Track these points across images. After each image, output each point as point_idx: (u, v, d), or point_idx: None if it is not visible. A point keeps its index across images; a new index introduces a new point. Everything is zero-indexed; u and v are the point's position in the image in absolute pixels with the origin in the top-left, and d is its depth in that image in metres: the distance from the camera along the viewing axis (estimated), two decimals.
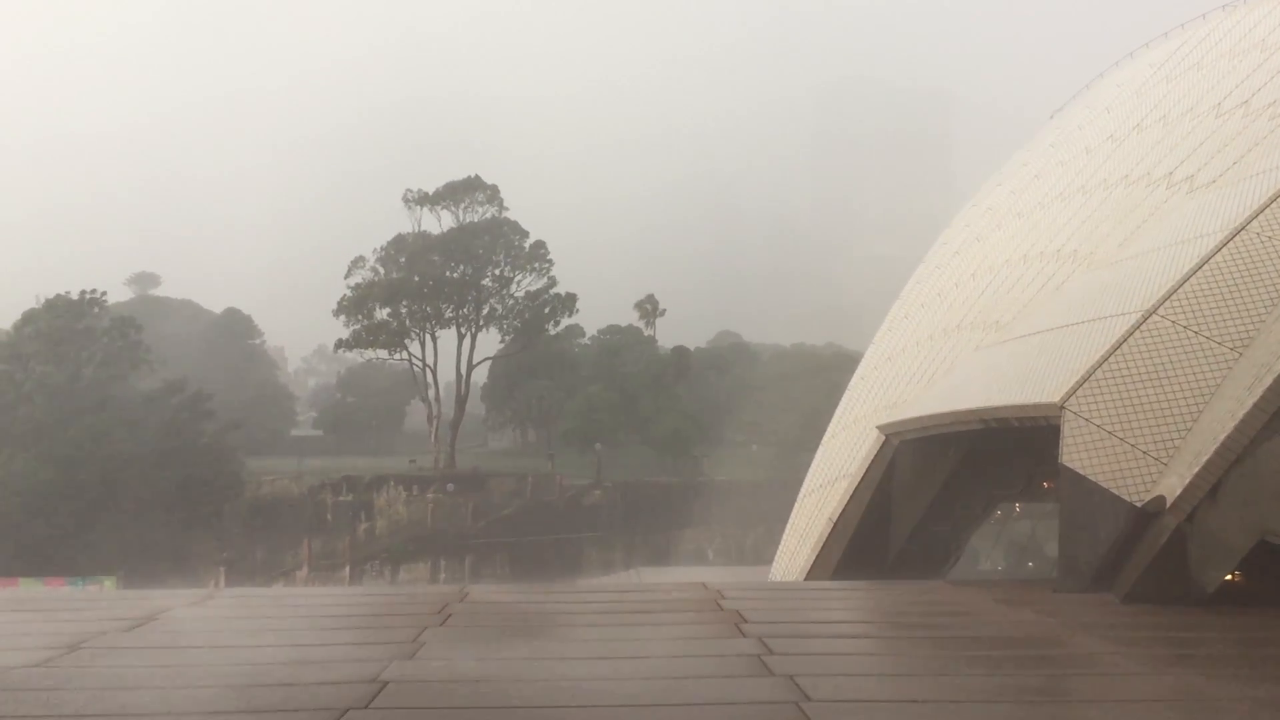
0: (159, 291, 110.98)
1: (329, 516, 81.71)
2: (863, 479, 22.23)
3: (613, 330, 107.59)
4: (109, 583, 56.76)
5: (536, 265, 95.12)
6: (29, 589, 49.66)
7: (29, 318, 76.09)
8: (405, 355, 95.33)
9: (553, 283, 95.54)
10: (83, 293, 78.67)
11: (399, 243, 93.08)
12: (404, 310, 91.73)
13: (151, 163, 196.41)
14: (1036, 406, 15.97)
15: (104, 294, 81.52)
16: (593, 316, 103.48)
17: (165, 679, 10.09)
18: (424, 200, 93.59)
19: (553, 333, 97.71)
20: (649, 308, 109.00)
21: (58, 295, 77.24)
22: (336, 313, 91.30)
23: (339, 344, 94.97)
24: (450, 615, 12.96)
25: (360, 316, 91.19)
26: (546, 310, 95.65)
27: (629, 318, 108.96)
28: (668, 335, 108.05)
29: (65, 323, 74.96)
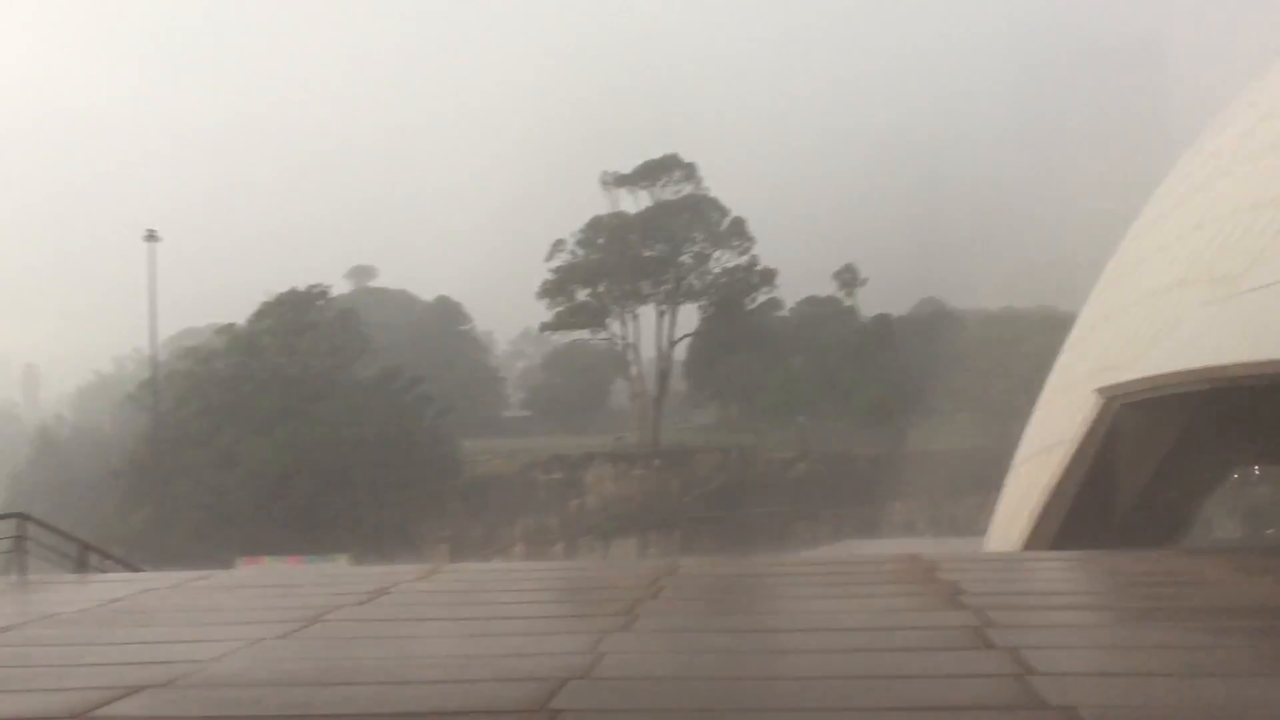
0: (376, 283, 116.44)
1: (540, 494, 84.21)
2: (1081, 445, 21.32)
3: (812, 302, 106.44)
4: (343, 560, 60.23)
5: (736, 243, 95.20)
6: (272, 566, 53.29)
7: (263, 313, 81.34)
8: (607, 334, 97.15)
9: (754, 261, 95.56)
10: (309, 287, 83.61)
11: (596, 224, 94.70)
12: (603, 290, 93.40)
13: (371, 164, 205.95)
14: (1273, 363, 14.94)
15: (328, 288, 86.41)
16: (791, 288, 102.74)
17: (395, 649, 10.67)
18: (621, 181, 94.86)
19: (751, 307, 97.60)
20: (848, 277, 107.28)
21: (288, 290, 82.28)
22: (539, 296, 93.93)
23: (543, 326, 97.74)
24: (662, 589, 13.17)
25: (562, 298, 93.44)
26: (745, 285, 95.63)
27: (828, 288, 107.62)
28: (868, 304, 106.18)
29: (294, 316, 79.84)
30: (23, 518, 21.15)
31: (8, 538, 20.31)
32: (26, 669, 11.09)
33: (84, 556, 22.39)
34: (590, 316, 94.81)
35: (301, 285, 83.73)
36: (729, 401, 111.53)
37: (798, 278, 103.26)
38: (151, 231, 76.66)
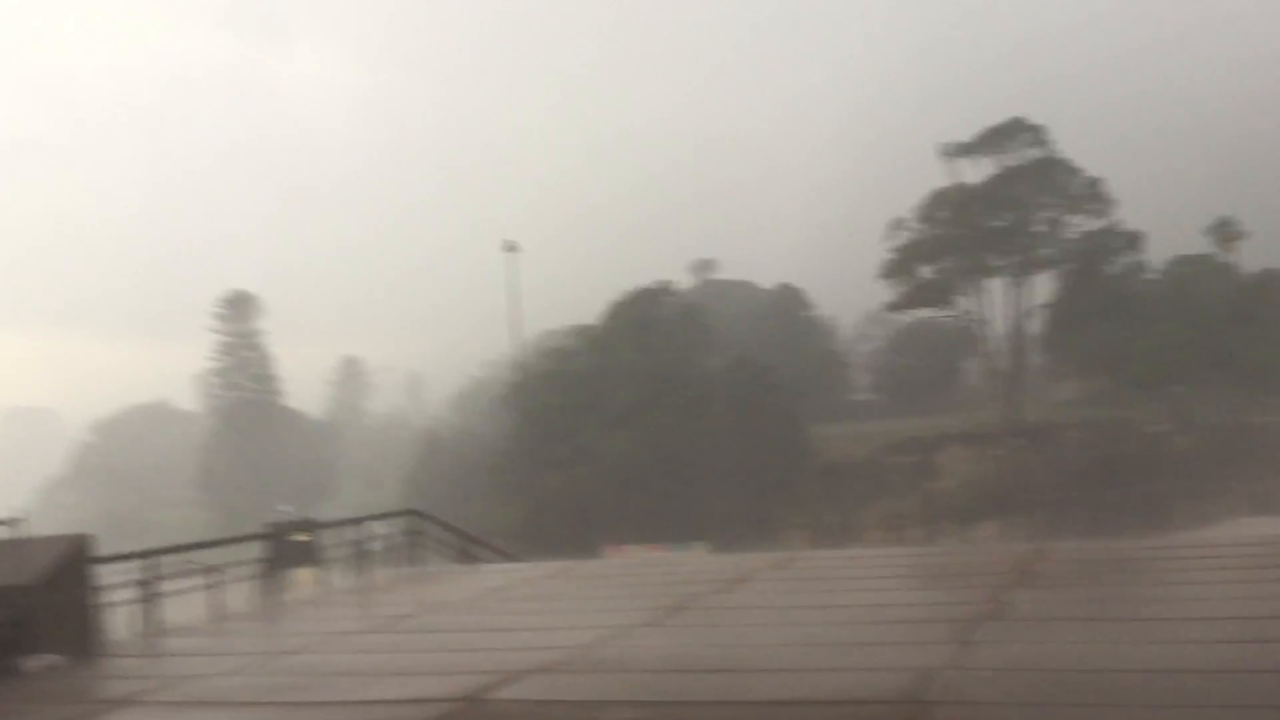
0: (718, 275, 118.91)
1: (894, 478, 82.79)
2: None
3: (1184, 261, 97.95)
4: (701, 548, 61.99)
5: (1093, 205, 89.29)
6: (636, 555, 55.62)
7: (614, 312, 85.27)
8: (954, 311, 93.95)
9: (1115, 223, 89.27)
10: (655, 284, 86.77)
11: (938, 198, 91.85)
12: (948, 266, 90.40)
13: (706, 157, 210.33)
14: None
15: (673, 283, 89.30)
16: (1159, 248, 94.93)
17: (758, 636, 10.80)
18: (962, 151, 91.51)
19: (1113, 272, 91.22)
20: (1226, 231, 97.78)
21: (636, 289, 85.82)
22: (881, 276, 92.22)
23: (887, 307, 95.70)
24: (1029, 575, 12.57)
25: (904, 277, 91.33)
26: (1106, 249, 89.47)
27: (1200, 246, 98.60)
28: (1251, 260, 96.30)
29: (643, 313, 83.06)
30: (415, 514, 23.29)
31: (403, 532, 22.44)
32: (423, 653, 12.19)
33: (468, 547, 24.32)
34: (935, 294, 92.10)
35: (648, 282, 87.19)
36: (1092, 374, 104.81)
37: (1164, 238, 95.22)
38: (510, 242, 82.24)
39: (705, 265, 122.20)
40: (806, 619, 11.62)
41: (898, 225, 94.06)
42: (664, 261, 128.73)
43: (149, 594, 15.34)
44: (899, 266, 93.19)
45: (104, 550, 14.44)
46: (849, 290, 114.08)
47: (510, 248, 79.82)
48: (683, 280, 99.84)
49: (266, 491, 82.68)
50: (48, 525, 12.90)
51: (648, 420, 74.96)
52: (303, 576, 20.61)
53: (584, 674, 10.28)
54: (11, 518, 12.54)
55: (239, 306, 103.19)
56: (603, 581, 17.79)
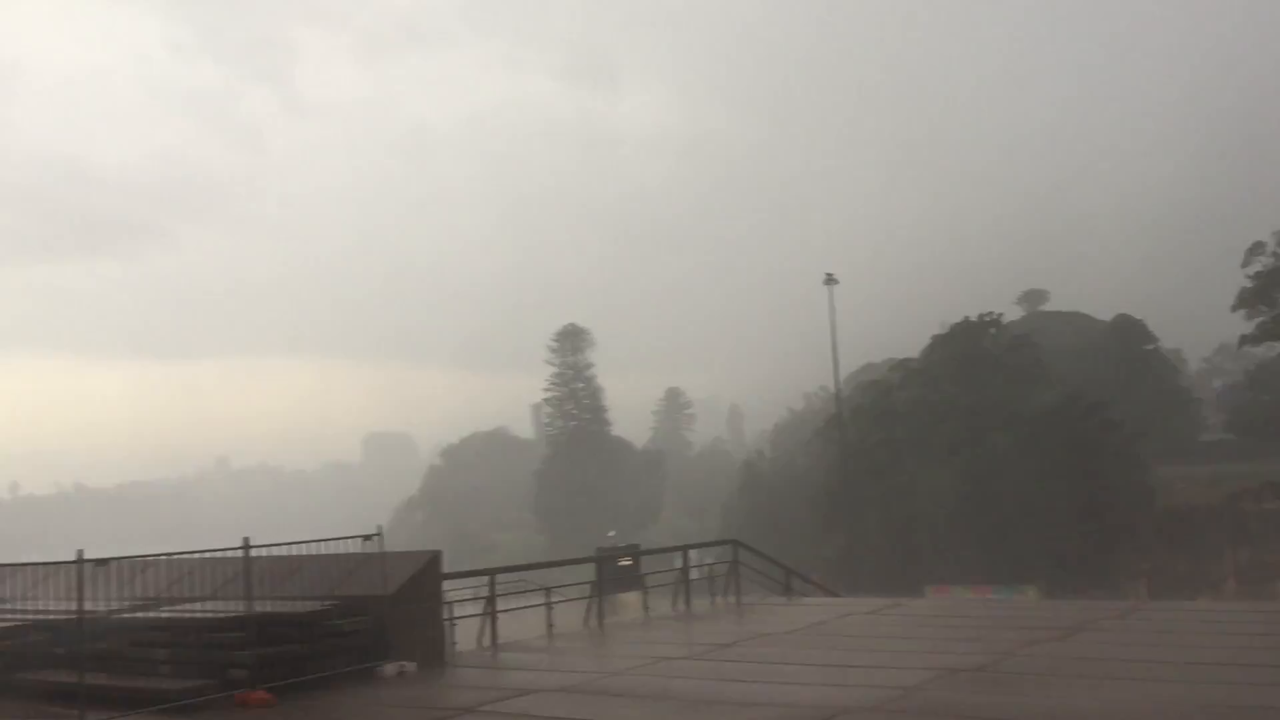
0: (1049, 306, 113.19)
1: (1254, 526, 75.27)
2: None
3: None
4: (1031, 592, 58.82)
5: None
6: (961, 596, 53.48)
7: (936, 345, 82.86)
8: None
9: None
10: (980, 315, 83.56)
11: None
12: None
13: (1039, 180, 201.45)
14: None
15: (1000, 315, 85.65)
16: None
17: (1104, 692, 10.09)
18: None
19: None
20: None
21: (960, 321, 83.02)
22: (1236, 306, 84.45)
23: (1243, 340, 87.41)
24: None
25: (1264, 307, 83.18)
26: None
27: None
28: None
29: (968, 346, 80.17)
30: (736, 544, 23.52)
31: (725, 562, 22.73)
32: (746, 684, 12.27)
33: (787, 580, 24.30)
34: None
35: (973, 314, 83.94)
36: None
37: None
38: (830, 275, 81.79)
39: (1035, 296, 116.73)
40: (1157, 674, 10.78)
41: (1257, 250, 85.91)
42: (989, 293, 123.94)
43: (489, 609, 16.35)
44: (1258, 295, 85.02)
45: (450, 568, 15.53)
46: (1195, 322, 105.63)
47: (830, 281, 79.42)
48: (1010, 312, 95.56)
49: (595, 517, 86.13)
50: (400, 542, 14.04)
51: (973, 457, 72.13)
52: (627, 600, 21.29)
53: (912, 715, 10.00)
54: (371, 534, 13.71)
55: (572, 340, 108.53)
56: (928, 622, 17.25)
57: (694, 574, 21.53)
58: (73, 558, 11.16)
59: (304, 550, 13.36)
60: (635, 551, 24.70)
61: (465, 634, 15.74)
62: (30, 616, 13.19)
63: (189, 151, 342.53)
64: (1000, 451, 72.14)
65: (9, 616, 13.56)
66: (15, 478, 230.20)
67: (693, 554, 22.44)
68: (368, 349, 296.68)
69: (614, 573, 21.27)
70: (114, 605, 12.16)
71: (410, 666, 13.39)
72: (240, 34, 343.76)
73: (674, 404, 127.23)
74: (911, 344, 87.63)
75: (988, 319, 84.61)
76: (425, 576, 14.41)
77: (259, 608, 12.42)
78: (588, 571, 19.93)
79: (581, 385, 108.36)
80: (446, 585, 15.27)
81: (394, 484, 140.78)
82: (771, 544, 26.74)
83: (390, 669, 13.22)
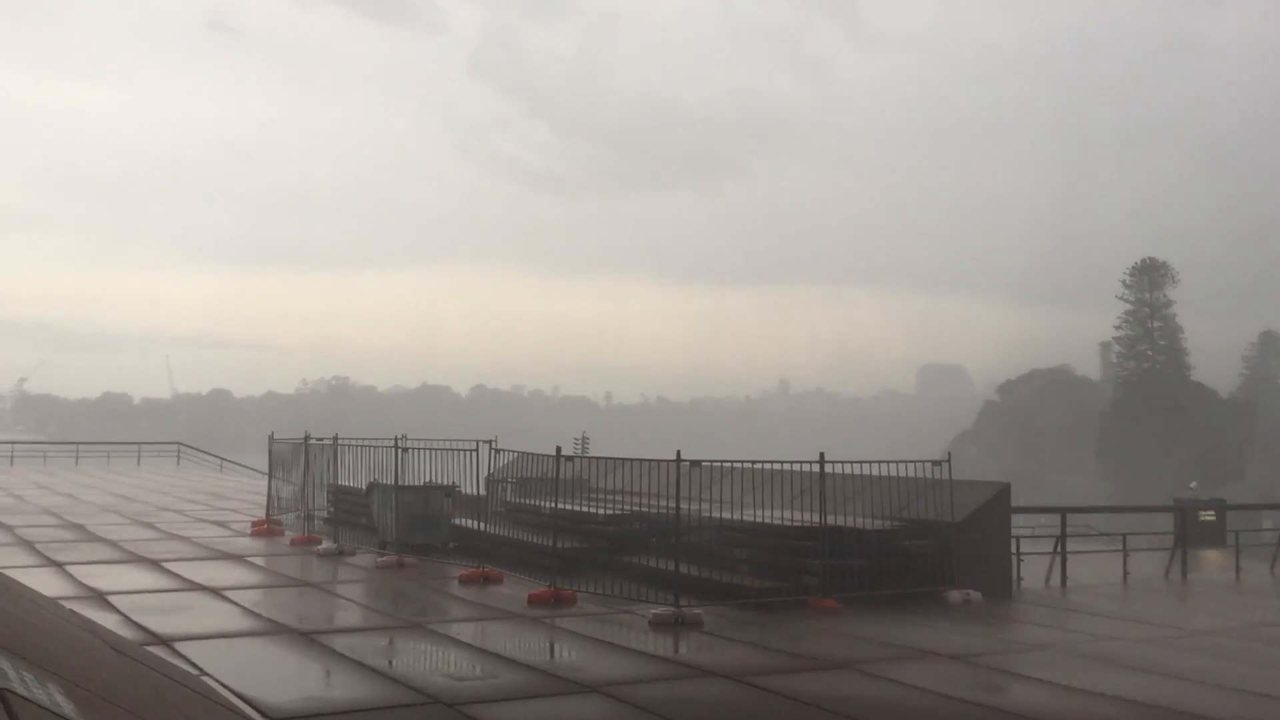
0: None
1: None
2: None
3: None
4: None
5: None
6: None
7: None
8: None
9: None
10: None
11: None
12: None
13: None
14: None
15: None
16: None
17: None
18: None
19: None
20: None
21: None
22: None
23: None
24: None
25: None
26: None
27: None
28: None
29: None
30: None
31: None
32: None
33: None
34: None
35: None
36: None
37: None
38: None
39: None
40: None
41: None
42: None
43: (1058, 549, 15.71)
44: None
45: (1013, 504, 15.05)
46: None
47: None
48: None
49: (1167, 467, 79.50)
50: (955, 475, 13.84)
51: None
52: (1209, 558, 19.48)
53: None
54: (940, 460, 13.68)
55: (1149, 275, 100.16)
56: None
57: None
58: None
59: (874, 471, 13.65)
60: (1223, 505, 22.42)
61: (1031, 571, 15.27)
62: (632, 507, 14.78)
63: (764, 88, 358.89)
64: None
65: (615, 505, 15.30)
66: (610, 388, 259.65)
67: None
68: (924, 280, 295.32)
69: (1195, 526, 19.49)
70: (703, 505, 13.26)
71: (976, 596, 13.26)
72: None
73: (1270, 348, 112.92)
74: None
75: None
76: (994, 507, 14.14)
77: (830, 521, 12.93)
78: (1159, 523, 18.42)
79: (1159, 324, 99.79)
80: (1014, 520, 14.87)
81: (948, 416, 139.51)
82: None
83: (956, 596, 13.18)
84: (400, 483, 15.98)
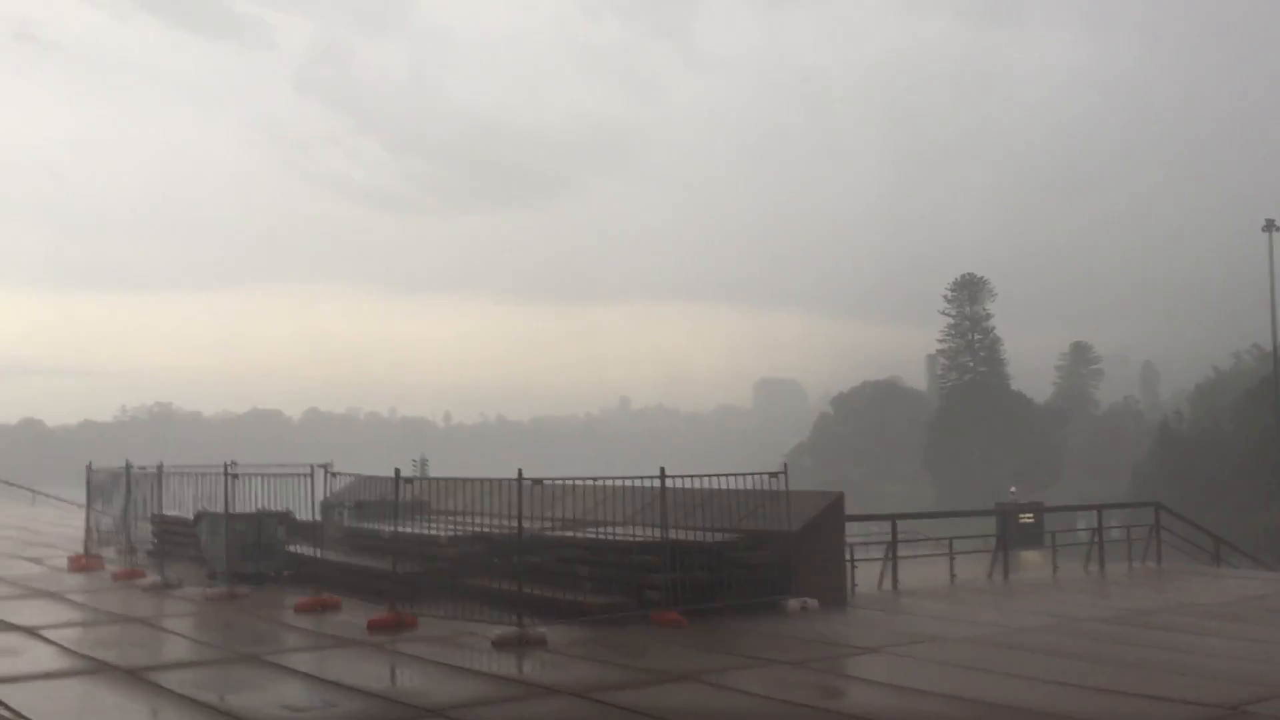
0: None
1: None
2: None
3: None
4: None
5: None
6: None
7: None
8: None
9: None
10: None
11: None
12: None
13: None
14: None
15: None
16: None
17: None
18: None
19: None
20: None
21: None
22: None
23: None
24: None
25: None
26: None
27: None
28: None
29: None
30: (1159, 507, 21.80)
31: (1146, 526, 21.17)
32: (1171, 653, 11.40)
33: (1218, 549, 22.28)
34: None
35: None
36: None
37: None
38: (1271, 221, 73.26)
39: None
40: None
41: None
42: None
43: (890, 554, 16.26)
44: None
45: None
46: None
47: (1271, 227, 71.29)
48: None
49: (989, 473, 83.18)
50: (791, 487, 14.19)
51: None
52: (1028, 558, 20.44)
53: None
54: (778, 472, 14.00)
55: (970, 290, 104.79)
56: None
57: (1106, 536, 20.28)
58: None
59: (714, 484, 13.87)
60: (1040, 508, 23.58)
61: (865, 577, 15.76)
62: (473, 528, 14.61)
63: (596, 107, 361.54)
64: None
65: (456, 527, 15.10)
66: (448, 408, 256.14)
67: (1102, 515, 21.11)
68: (760, 297, 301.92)
69: (1015, 529, 20.44)
70: (544, 523, 13.22)
71: (813, 603, 13.59)
72: None
73: (1080, 359, 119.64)
74: None
75: None
76: (829, 516, 14.54)
77: (672, 535, 13.07)
78: (981, 526, 19.29)
79: (979, 337, 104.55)
80: (848, 528, 15.32)
81: (784, 429, 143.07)
82: (1189, 513, 24.57)
83: (794, 604, 13.48)
84: (231, 510, 15.42)
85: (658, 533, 13.05)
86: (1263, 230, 73.60)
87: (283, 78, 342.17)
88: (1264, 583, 17.91)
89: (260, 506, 15.57)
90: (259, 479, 15.47)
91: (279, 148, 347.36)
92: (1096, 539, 19.88)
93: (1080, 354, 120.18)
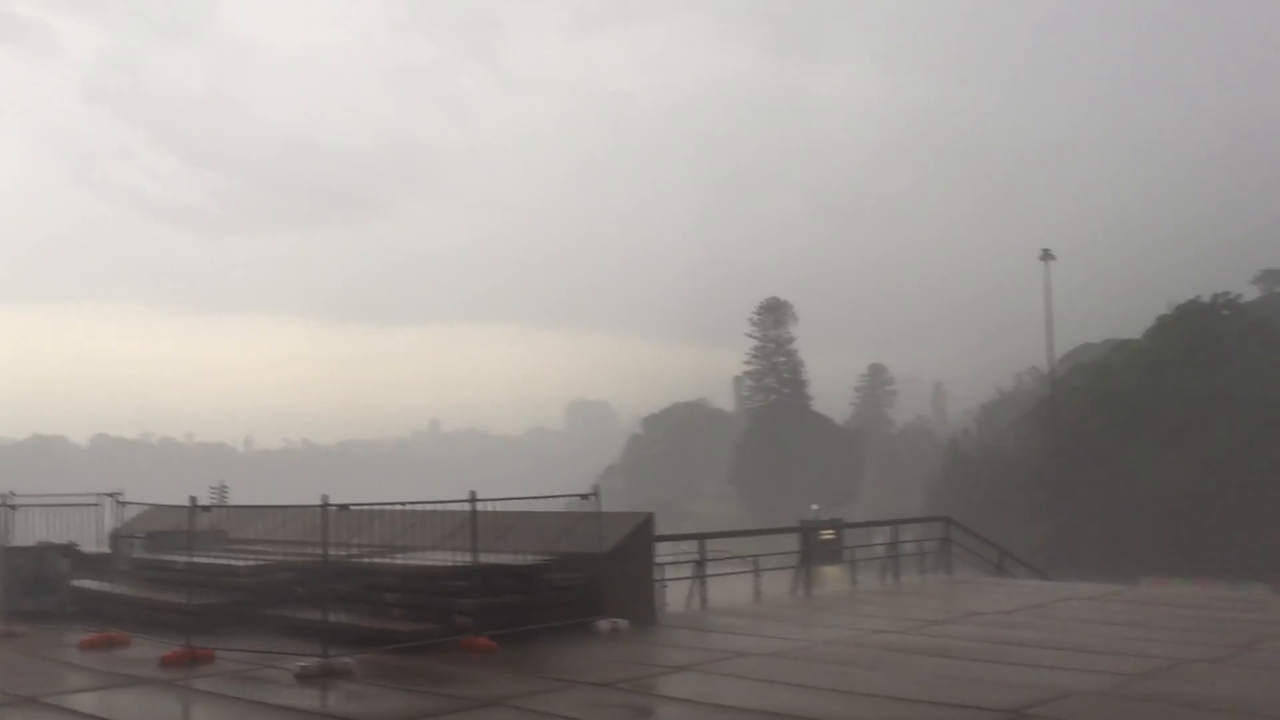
0: None
1: None
2: None
3: None
4: (1261, 589, 55.23)
5: None
6: (1179, 588, 50.74)
7: (1162, 326, 78.28)
8: None
9: None
10: (1213, 297, 78.35)
11: None
12: None
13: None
14: None
15: (1236, 296, 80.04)
16: None
17: None
18: None
19: None
20: None
21: (1189, 301, 78.10)
22: None
23: None
24: None
25: None
26: None
27: None
28: None
29: (1197, 329, 75.38)
30: (949, 521, 23.01)
31: (933, 539, 22.29)
32: (957, 660, 12.03)
33: (1001, 561, 23.63)
34: None
35: (1204, 295, 78.76)
36: None
37: None
38: (1046, 251, 78.49)
39: (1275, 276, 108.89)
40: None
41: None
42: (1221, 273, 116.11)
43: (699, 573, 16.57)
44: None
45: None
46: None
47: (1047, 257, 76.31)
48: (1246, 293, 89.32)
49: (793, 491, 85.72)
50: (604, 507, 14.36)
51: (1201, 445, 68.08)
52: (830, 573, 21.16)
53: (1136, 703, 9.63)
54: (589, 494, 14.11)
55: (774, 313, 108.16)
56: (1152, 610, 16.48)
57: (902, 550, 21.24)
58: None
59: (524, 507, 13.87)
60: (840, 525, 24.49)
61: (674, 596, 16.02)
62: (275, 557, 14.16)
63: (406, 126, 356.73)
64: (1233, 441, 67.83)
65: (257, 556, 14.60)
66: (250, 432, 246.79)
67: (899, 530, 22.14)
68: (571, 320, 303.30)
69: (817, 545, 21.15)
70: (351, 550, 12.93)
71: (623, 624, 13.72)
72: (456, 10, 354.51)
73: (876, 380, 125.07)
74: (1131, 325, 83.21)
75: (1221, 299, 79.31)
76: (639, 537, 14.72)
77: (483, 559, 12.98)
78: (785, 543, 19.91)
79: (783, 359, 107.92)
80: (658, 548, 15.54)
81: (596, 451, 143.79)
82: (976, 526, 26.06)
83: (604, 625, 13.58)
84: (8, 544, 14.47)
85: (468, 557, 12.94)
86: (1040, 259, 78.75)
87: (70, 86, 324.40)
88: (1041, 591, 19.07)
89: (42, 539, 14.68)
90: (40, 510, 14.59)
91: (66, 159, 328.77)
92: (892, 553, 20.79)
93: (877, 375, 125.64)
